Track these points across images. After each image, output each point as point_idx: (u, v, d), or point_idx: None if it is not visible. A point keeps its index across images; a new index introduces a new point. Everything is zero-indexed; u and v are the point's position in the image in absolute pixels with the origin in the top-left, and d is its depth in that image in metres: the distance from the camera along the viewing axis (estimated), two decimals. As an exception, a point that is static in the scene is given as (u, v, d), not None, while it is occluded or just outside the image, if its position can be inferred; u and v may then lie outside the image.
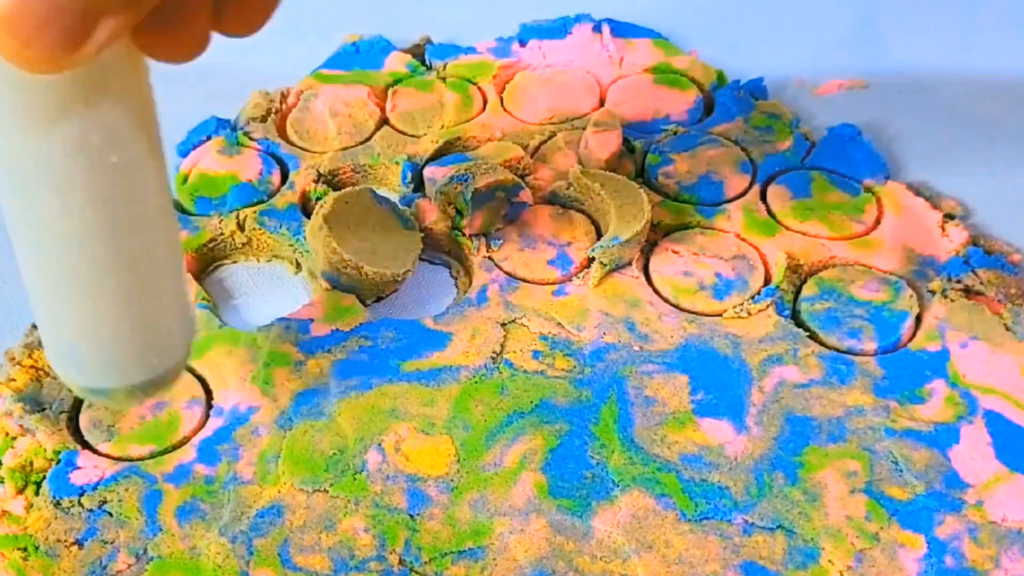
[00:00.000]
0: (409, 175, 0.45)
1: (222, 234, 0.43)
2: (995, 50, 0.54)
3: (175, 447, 0.36)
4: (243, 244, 0.43)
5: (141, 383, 0.28)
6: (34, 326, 0.39)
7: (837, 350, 0.39)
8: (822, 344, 0.39)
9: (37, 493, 0.35)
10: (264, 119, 0.48)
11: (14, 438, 0.36)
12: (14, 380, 0.37)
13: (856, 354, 0.39)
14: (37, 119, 0.23)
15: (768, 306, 0.40)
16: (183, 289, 0.28)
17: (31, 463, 0.35)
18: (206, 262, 0.43)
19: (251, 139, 0.47)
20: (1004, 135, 0.49)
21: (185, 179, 0.45)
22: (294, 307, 0.40)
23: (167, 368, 0.28)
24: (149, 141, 0.25)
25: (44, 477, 0.35)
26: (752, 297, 0.40)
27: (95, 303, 0.26)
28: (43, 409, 0.37)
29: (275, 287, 0.43)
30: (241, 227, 0.43)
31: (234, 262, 0.44)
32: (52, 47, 0.21)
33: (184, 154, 0.47)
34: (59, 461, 0.35)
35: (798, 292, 0.41)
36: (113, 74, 0.24)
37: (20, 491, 0.35)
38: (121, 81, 0.24)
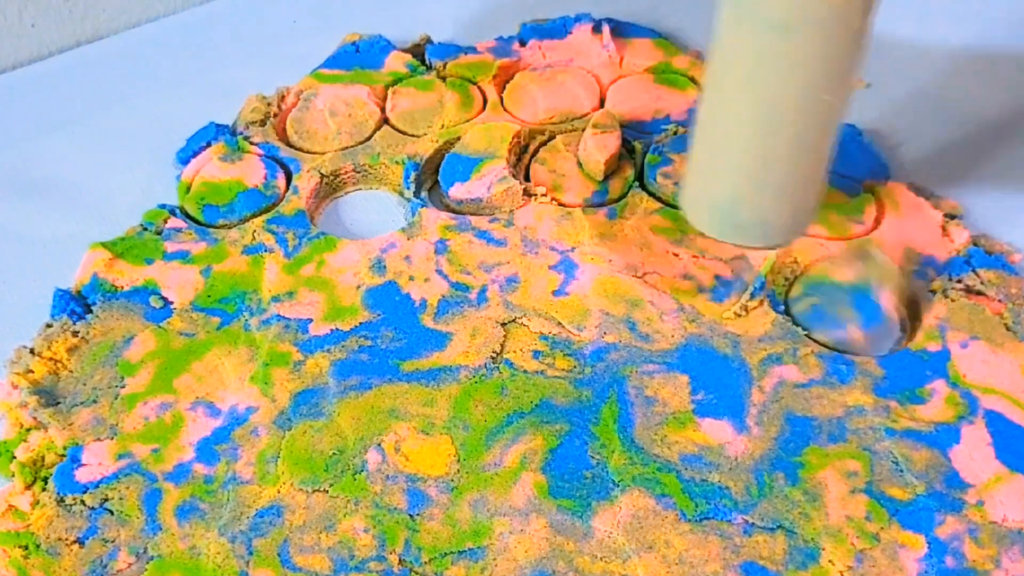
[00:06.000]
0: (412, 175, 0.45)
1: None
2: (995, 50, 0.54)
3: None
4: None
5: (776, 245, 0.37)
6: (48, 324, 0.40)
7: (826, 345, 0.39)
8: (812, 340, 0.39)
9: (44, 489, 0.35)
10: (263, 123, 0.48)
11: (28, 430, 0.36)
12: (32, 372, 0.38)
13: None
14: (805, 35, 0.31)
15: (761, 302, 0.40)
16: (822, 181, 0.36)
17: (42, 458, 0.36)
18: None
19: (251, 144, 0.47)
20: (1004, 135, 0.49)
21: (188, 188, 0.45)
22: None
23: (795, 236, 0.37)
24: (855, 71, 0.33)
25: (52, 473, 0.35)
26: (748, 293, 0.40)
27: (776, 174, 0.34)
28: (57, 403, 0.37)
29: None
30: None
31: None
32: None
33: (185, 161, 0.47)
34: (66, 457, 0.35)
35: (790, 289, 0.41)
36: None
37: (29, 486, 0.35)
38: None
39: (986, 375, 0.37)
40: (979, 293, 0.40)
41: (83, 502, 0.34)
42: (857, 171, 0.46)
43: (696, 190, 0.37)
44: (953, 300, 0.40)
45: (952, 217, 0.44)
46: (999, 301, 0.40)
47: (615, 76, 0.51)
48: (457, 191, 0.45)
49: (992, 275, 0.40)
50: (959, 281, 0.40)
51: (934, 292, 0.40)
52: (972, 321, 0.39)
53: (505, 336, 0.39)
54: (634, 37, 0.53)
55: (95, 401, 0.37)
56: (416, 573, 0.33)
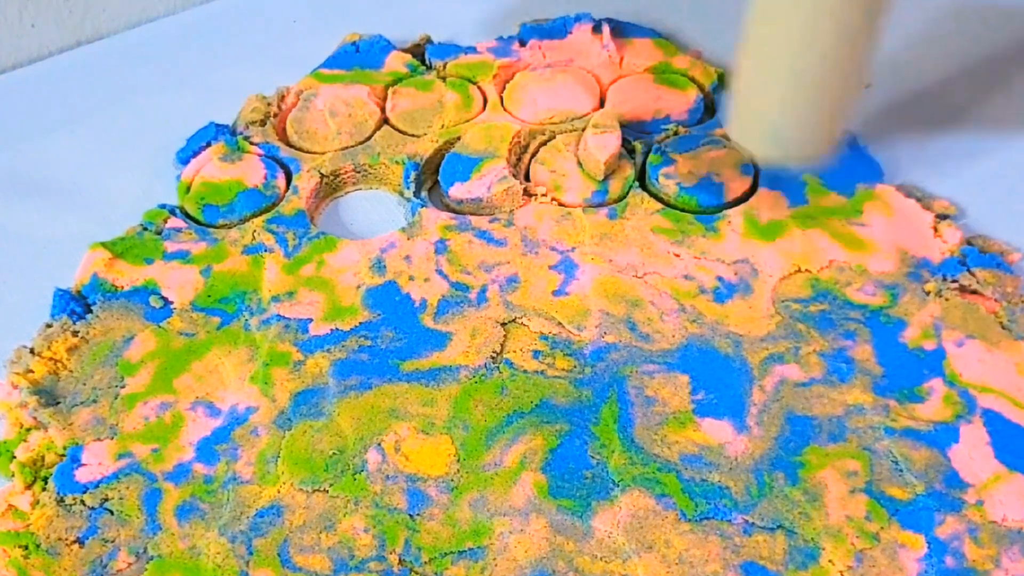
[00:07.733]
0: (412, 175, 0.45)
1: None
2: (991, 49, 0.54)
3: None
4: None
5: (809, 160, 0.41)
6: (48, 324, 0.40)
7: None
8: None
9: (44, 489, 0.35)
10: (263, 123, 0.48)
11: (28, 430, 0.36)
12: (32, 372, 0.38)
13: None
14: None
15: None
16: (854, 99, 0.40)
17: (42, 458, 0.36)
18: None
19: (251, 144, 0.47)
20: (1001, 135, 0.49)
21: (188, 188, 0.45)
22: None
23: (832, 149, 0.41)
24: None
25: (52, 473, 0.35)
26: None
27: (816, 92, 0.38)
28: (57, 403, 0.37)
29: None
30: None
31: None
32: None
33: (185, 161, 0.47)
34: (66, 457, 0.35)
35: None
36: None
37: (29, 486, 0.35)
38: None
39: (982, 374, 0.37)
40: (975, 292, 0.40)
41: (83, 502, 0.34)
42: (852, 175, 0.45)
43: (744, 116, 0.41)
44: (947, 299, 0.40)
45: (944, 217, 0.43)
46: (995, 300, 0.40)
47: (615, 76, 0.51)
48: (457, 191, 0.45)
49: (988, 274, 0.40)
50: (954, 281, 0.40)
51: (928, 293, 0.40)
52: (967, 320, 0.39)
53: (505, 336, 0.39)
54: (634, 37, 0.53)
55: (95, 401, 0.37)
56: (416, 573, 0.33)
